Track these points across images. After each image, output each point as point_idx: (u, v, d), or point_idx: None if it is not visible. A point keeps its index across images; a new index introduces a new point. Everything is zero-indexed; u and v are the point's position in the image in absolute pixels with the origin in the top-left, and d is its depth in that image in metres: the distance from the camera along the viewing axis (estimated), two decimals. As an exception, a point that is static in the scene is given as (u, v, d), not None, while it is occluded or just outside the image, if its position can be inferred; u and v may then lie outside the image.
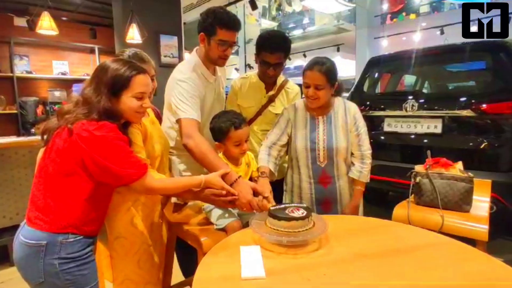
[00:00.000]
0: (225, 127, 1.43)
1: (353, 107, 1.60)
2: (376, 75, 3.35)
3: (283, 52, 1.65)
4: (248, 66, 10.77)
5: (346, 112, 1.57)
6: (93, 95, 1.08)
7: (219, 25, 1.47)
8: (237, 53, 10.51)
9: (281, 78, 1.83)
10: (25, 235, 1.05)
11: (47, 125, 1.10)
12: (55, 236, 1.04)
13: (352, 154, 1.61)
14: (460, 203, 1.53)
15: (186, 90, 1.48)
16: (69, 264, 1.06)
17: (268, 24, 11.85)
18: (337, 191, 1.59)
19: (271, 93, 1.79)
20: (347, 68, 9.88)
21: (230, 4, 5.44)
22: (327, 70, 1.47)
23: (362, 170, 1.55)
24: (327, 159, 1.54)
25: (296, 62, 10.80)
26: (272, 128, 1.65)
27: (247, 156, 1.59)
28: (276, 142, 1.60)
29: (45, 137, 1.10)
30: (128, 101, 1.13)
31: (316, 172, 1.57)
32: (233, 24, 1.49)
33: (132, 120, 1.20)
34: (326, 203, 1.59)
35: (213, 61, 1.58)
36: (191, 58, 1.62)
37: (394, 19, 9.44)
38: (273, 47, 1.63)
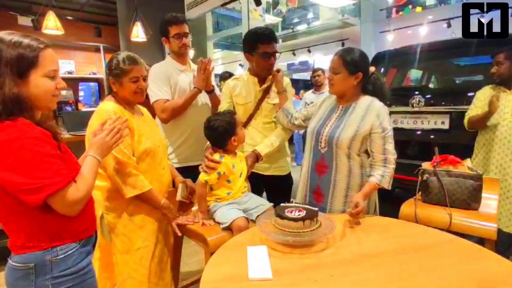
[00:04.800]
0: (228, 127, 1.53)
1: (377, 106, 1.49)
2: (382, 70, 3.30)
3: (275, 41, 1.82)
4: (252, 61, 10.70)
5: (368, 109, 1.49)
6: None
7: (168, 25, 1.90)
8: (241, 49, 10.48)
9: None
10: (13, 258, 0.92)
11: None
12: (42, 255, 0.90)
13: (372, 156, 1.50)
14: (469, 201, 1.51)
15: (153, 75, 1.87)
16: (65, 284, 0.92)
17: (272, 19, 11.74)
18: (331, 183, 1.53)
19: (265, 85, 1.86)
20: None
21: (233, 0, 5.39)
22: (345, 53, 1.49)
23: (384, 174, 1.45)
24: (327, 145, 1.54)
25: (300, 57, 10.71)
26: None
27: (240, 156, 1.62)
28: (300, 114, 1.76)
29: None
30: (40, 82, 0.88)
31: (315, 157, 1.58)
32: (177, 19, 1.90)
33: (47, 107, 0.94)
34: (317, 193, 1.59)
35: (177, 53, 1.95)
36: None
37: (400, 12, 9.29)
38: (270, 37, 1.77)
